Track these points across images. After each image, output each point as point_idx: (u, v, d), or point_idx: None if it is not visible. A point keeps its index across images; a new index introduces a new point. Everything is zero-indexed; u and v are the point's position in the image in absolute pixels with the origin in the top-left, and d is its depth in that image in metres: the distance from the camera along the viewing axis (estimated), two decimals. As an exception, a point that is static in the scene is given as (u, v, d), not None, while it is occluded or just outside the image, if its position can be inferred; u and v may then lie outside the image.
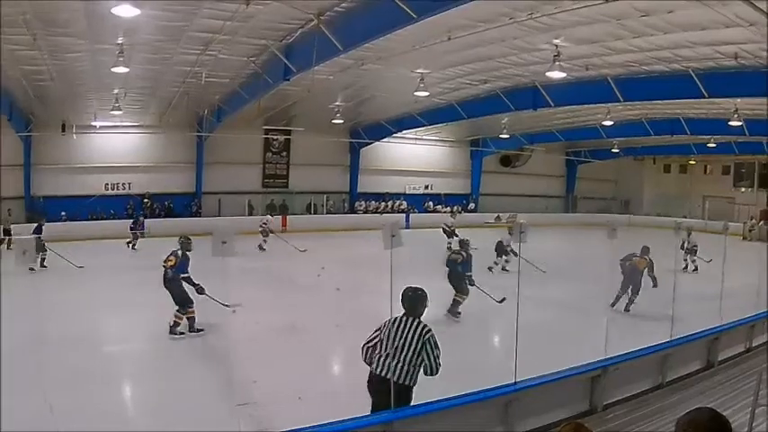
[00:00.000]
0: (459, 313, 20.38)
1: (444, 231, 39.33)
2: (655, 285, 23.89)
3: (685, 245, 31.44)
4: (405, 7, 18.02)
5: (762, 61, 24.62)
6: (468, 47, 26.27)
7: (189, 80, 31.78)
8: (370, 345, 9.35)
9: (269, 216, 38.94)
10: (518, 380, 10.04)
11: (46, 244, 28.31)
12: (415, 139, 55.84)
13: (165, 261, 17.77)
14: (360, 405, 9.13)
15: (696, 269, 31.03)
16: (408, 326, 9.04)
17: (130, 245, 36.02)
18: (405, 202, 56.73)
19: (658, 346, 13.01)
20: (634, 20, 21.64)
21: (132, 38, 23.99)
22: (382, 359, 9.00)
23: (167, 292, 17.65)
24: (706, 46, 24.06)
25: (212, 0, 20.65)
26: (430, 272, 24.64)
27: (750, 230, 51.25)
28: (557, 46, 24.81)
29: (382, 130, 50.19)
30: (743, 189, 63.37)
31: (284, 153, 50.86)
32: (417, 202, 57.97)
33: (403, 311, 9.24)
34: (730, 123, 35.94)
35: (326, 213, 50.22)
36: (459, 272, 20.51)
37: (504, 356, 11.66)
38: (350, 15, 21.38)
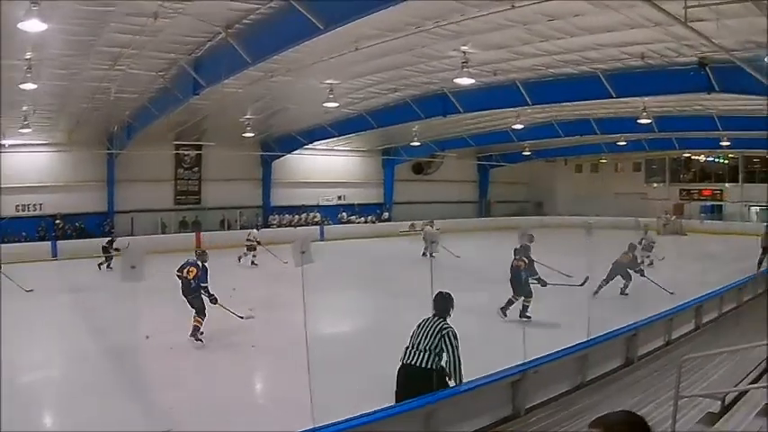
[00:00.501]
0: (530, 317, 20.55)
1: (424, 238, 39.48)
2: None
3: (642, 242, 31.91)
4: (312, 18, 18.03)
5: (668, 60, 25.01)
6: (376, 56, 26.37)
7: (98, 96, 31.34)
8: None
9: (254, 230, 38.91)
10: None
11: None
12: (327, 150, 55.70)
13: (186, 272, 18.54)
14: (279, 423, 9.08)
15: (651, 263, 31.28)
16: (432, 323, 10.55)
17: (104, 265, 34.99)
18: (318, 215, 56.34)
19: (576, 347, 13.09)
20: (541, 24, 21.91)
21: (40, 53, 23.56)
22: (409, 350, 10.55)
23: (185, 300, 18.56)
24: (613, 47, 24.46)
25: (121, 12, 20.38)
26: (346, 283, 24.69)
27: (665, 225, 51.93)
28: (464, 53, 24.98)
29: (294, 142, 49.95)
30: (655, 185, 64.96)
31: (196, 168, 50.11)
32: (332, 214, 57.63)
33: (433, 312, 10.79)
34: (639, 121, 36.58)
35: (240, 229, 49.50)
36: (522, 277, 20.95)
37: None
38: (258, 27, 21.32)
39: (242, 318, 19.49)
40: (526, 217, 62.63)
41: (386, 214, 60.14)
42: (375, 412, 9.25)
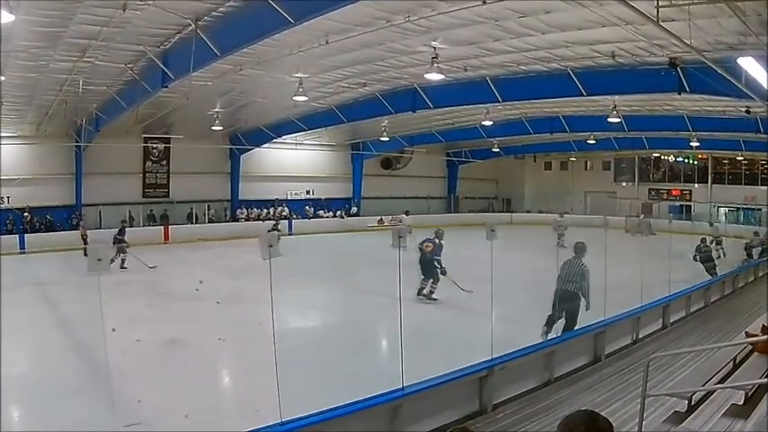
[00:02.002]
0: None
1: (554, 229, 40.89)
2: None
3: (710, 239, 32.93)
4: (282, 11, 17.93)
5: (639, 59, 25.06)
6: (346, 50, 26.29)
7: (66, 88, 30.98)
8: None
9: (403, 215, 43.06)
10: (405, 384, 9.99)
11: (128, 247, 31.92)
12: (296, 143, 55.77)
13: (425, 246, 23.89)
14: (246, 417, 9.01)
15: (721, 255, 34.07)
16: (574, 262, 16.52)
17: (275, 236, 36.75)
18: (287, 209, 56.07)
19: (543, 344, 13.18)
20: (511, 21, 21.86)
21: (7, 45, 23.22)
22: (561, 280, 16.43)
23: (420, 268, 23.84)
24: (583, 45, 24.48)
25: (89, 3, 20.14)
26: (313, 279, 24.61)
27: (638, 225, 51.98)
28: (435, 48, 24.94)
29: (262, 135, 49.82)
30: (624, 184, 65.07)
31: (164, 162, 49.75)
32: (301, 208, 57.47)
33: (573, 255, 16.73)
34: (609, 120, 36.58)
35: (208, 222, 49.59)
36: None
37: (390, 361, 11.69)
38: (228, 20, 21.19)
39: (465, 291, 22.25)
40: (494, 213, 62.56)
41: (354, 209, 60.04)
42: (341, 407, 9.23)
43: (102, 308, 8.54)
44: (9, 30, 20.46)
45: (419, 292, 23.52)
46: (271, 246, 8.56)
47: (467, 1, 18.60)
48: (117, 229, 34.07)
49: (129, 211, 46.80)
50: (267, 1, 18.12)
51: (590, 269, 16.15)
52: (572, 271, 16.28)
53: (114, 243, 32.15)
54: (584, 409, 3.79)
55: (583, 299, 16.03)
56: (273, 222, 42.95)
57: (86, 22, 21.75)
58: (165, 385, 14.24)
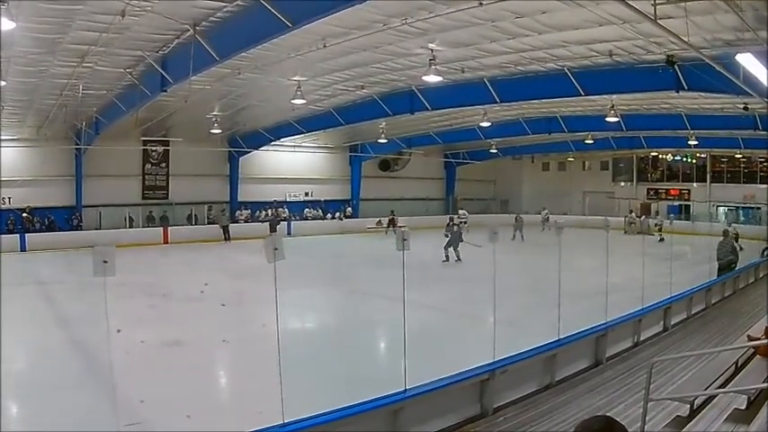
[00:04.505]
0: None
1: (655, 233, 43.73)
2: None
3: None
4: (280, 16, 17.97)
5: (636, 57, 25.09)
6: (343, 54, 26.42)
7: (66, 92, 31.11)
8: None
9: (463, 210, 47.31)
10: (407, 387, 9.93)
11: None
12: (294, 146, 55.73)
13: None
14: (249, 418, 9.02)
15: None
16: (726, 241, 26.36)
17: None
18: (286, 210, 56.01)
19: (545, 347, 13.06)
20: (508, 22, 21.92)
21: (7, 51, 23.24)
22: (719, 251, 25.85)
23: None
24: (580, 45, 24.53)
25: (88, 9, 20.17)
26: (313, 281, 24.62)
27: (631, 224, 51.95)
28: (432, 50, 24.99)
29: (261, 138, 49.88)
30: (622, 183, 65.08)
31: (163, 164, 49.80)
32: (299, 210, 57.52)
33: (722, 237, 26.89)
34: (607, 119, 36.40)
35: (207, 224, 49.71)
36: None
37: (392, 363, 11.63)
38: (226, 25, 21.24)
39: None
40: (492, 215, 62.44)
41: (349, 210, 60.10)
42: (343, 409, 9.23)
43: (107, 309, 8.51)
44: (9, 36, 20.50)
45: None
46: (276, 249, 8.55)
47: (463, 2, 18.63)
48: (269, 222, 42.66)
49: (129, 213, 47.35)
50: (265, 6, 18.16)
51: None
52: (723, 247, 26.25)
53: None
54: (600, 414, 3.80)
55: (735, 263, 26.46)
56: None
57: (85, 28, 21.90)
58: (167, 385, 14.19)
